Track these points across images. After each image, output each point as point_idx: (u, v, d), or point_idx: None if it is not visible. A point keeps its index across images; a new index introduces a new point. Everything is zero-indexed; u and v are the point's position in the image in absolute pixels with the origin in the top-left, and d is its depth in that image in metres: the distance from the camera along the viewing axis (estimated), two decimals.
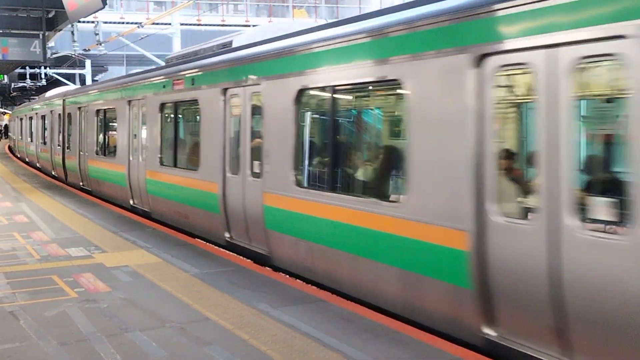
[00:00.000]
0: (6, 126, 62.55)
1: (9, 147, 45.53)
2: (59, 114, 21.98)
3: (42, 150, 26.26)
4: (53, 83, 42.27)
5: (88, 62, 39.00)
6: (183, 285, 7.54)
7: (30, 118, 30.48)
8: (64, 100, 21.47)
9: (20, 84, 44.59)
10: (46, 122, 25.33)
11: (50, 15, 20.86)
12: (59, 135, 22.22)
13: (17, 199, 16.15)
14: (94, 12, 19.19)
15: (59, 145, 22.04)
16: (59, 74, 42.14)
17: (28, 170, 26.90)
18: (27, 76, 42.96)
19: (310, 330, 5.88)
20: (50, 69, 41.74)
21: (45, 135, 25.46)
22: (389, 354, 5.31)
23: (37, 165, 27.65)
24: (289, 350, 5.40)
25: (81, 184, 18.96)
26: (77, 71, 41.21)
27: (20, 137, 36.40)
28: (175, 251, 9.50)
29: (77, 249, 9.72)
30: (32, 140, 29.79)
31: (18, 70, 38.41)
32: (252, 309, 6.55)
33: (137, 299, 6.96)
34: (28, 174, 24.78)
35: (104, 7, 16.65)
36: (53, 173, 23.32)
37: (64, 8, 17.81)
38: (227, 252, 9.50)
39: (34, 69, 41.82)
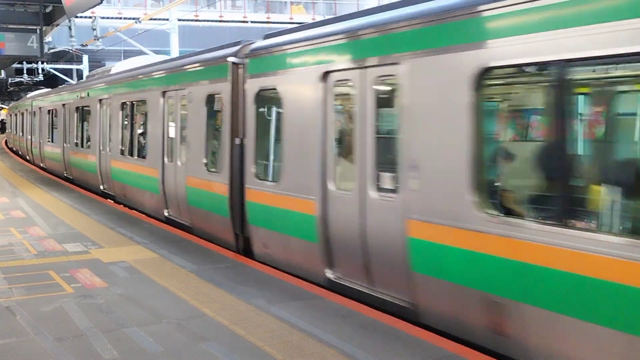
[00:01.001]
0: (2, 121, 62.42)
1: (6, 142, 45.41)
2: (211, 97, 10.08)
3: (123, 166, 14.40)
4: (50, 78, 42.19)
5: (85, 58, 38.92)
6: (180, 281, 7.54)
7: (79, 109, 18.76)
8: (238, 65, 9.37)
9: (18, 79, 44.47)
10: (150, 115, 12.71)
11: (47, 10, 20.77)
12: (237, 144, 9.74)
13: (14, 194, 16.14)
14: (92, 7, 19.14)
15: (247, 173, 9.31)
16: (56, 69, 42.04)
17: (25, 166, 26.85)
18: (25, 71, 42.85)
19: (306, 326, 5.89)
20: (47, 64, 41.65)
21: (144, 140, 13.44)
22: (385, 349, 5.32)
23: (107, 191, 15.96)
24: (286, 346, 5.41)
25: (327, 274, 7.55)
26: (74, 66, 41.13)
27: (48, 140, 23.51)
28: (172, 247, 9.50)
29: (74, 245, 9.71)
30: (82, 146, 18.38)
31: (15, 65, 38.28)
32: (249, 305, 6.56)
33: (133, 295, 6.97)
34: (25, 170, 24.74)
35: (101, 2, 16.62)
36: (181, 220, 11.33)
37: (61, 3, 17.75)
38: (225, 249, 9.51)
39: (31, 64, 41.72)
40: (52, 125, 23.04)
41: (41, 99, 26.18)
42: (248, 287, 7.23)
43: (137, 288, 7.26)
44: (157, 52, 29.36)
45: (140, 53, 30.30)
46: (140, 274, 7.90)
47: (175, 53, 28.25)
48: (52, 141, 22.70)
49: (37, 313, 6.33)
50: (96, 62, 40.18)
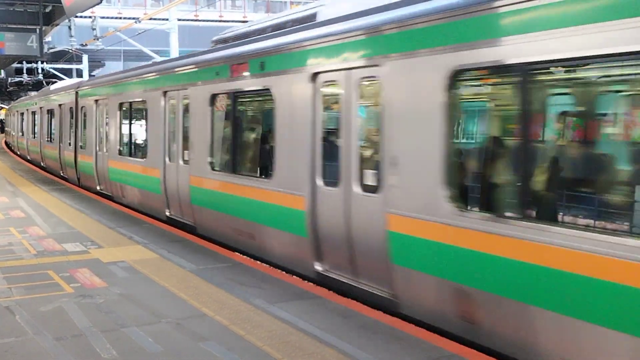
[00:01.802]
0: (1, 121, 62.44)
1: (6, 143, 45.38)
2: None
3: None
4: (50, 78, 42.16)
5: (85, 57, 38.91)
6: (179, 280, 7.54)
7: (209, 101, 10.40)
8: None
9: (17, 79, 44.47)
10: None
11: (47, 10, 20.78)
12: None
13: (13, 194, 16.13)
14: (91, 7, 19.13)
15: None
16: (56, 69, 42.04)
17: (25, 166, 26.84)
18: (24, 71, 42.83)
19: (306, 326, 5.89)
20: (47, 63, 41.64)
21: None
22: (384, 349, 5.32)
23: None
24: (285, 346, 5.40)
25: None
26: (74, 66, 41.12)
27: (120, 152, 14.87)
28: (172, 247, 9.50)
29: (74, 244, 9.71)
30: (232, 170, 9.77)
31: (15, 65, 38.27)
32: (249, 304, 6.56)
33: (133, 295, 6.96)
34: (25, 169, 24.73)
35: (101, 2, 16.61)
36: None
37: (61, 3, 17.75)
38: (224, 249, 9.51)
39: (31, 63, 41.70)
40: (120, 129, 14.83)
41: (98, 88, 16.75)
42: (247, 287, 7.22)
43: (136, 288, 7.26)
44: (156, 52, 29.36)
45: (140, 53, 30.32)
46: (140, 274, 7.90)
47: (175, 53, 28.23)
48: (127, 155, 14.39)
49: (37, 313, 6.33)
50: (96, 62, 40.25)
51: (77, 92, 19.03)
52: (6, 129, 48.20)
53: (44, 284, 7.41)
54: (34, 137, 27.54)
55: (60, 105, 21.37)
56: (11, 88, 49.25)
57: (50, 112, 23.41)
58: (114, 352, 5.30)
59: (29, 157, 29.11)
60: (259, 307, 6.48)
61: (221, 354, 5.24)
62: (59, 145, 21.28)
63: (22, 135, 32.03)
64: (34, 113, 27.59)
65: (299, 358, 5.14)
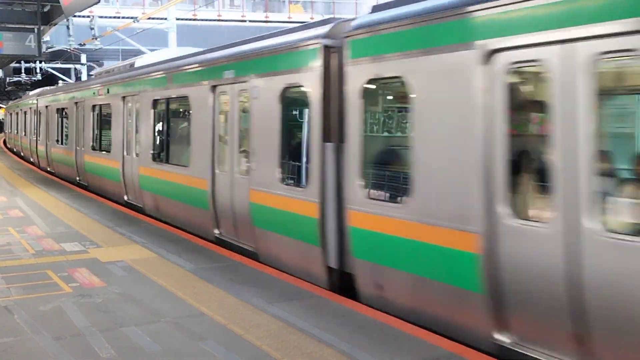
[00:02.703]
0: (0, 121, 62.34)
1: (4, 142, 45.29)
2: None
3: None
4: (49, 77, 42.12)
5: (84, 57, 38.85)
6: (178, 280, 7.54)
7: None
8: None
9: (16, 79, 44.39)
10: None
11: (45, 10, 20.76)
12: None
13: (12, 194, 16.12)
14: (90, 7, 19.12)
15: None
16: (54, 69, 41.97)
17: (23, 165, 26.82)
18: (22, 70, 42.74)
19: (305, 325, 5.89)
20: (45, 63, 41.56)
21: None
22: (383, 348, 5.32)
23: None
24: (284, 345, 5.41)
25: None
26: (72, 65, 41.05)
27: None
28: (171, 246, 9.50)
29: (72, 244, 9.71)
30: None
31: (13, 64, 38.20)
32: (247, 304, 6.56)
33: (132, 294, 6.96)
34: (24, 169, 24.71)
35: (99, 2, 16.59)
36: None
37: (59, 2, 17.73)
38: (223, 248, 9.51)
39: (29, 63, 41.60)
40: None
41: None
42: (246, 287, 7.23)
43: (135, 287, 7.26)
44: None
45: (139, 52, 30.28)
46: (139, 273, 7.90)
47: None
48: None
49: (35, 312, 6.33)
50: (94, 62, 40.17)
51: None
52: (5, 130, 47.31)
53: (42, 284, 7.41)
54: (94, 149, 17.29)
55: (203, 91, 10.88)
56: (9, 88, 49.16)
57: (169, 107, 12.79)
58: (113, 351, 5.30)
59: (79, 179, 18.71)
60: (258, 306, 6.48)
61: (220, 353, 5.25)
62: (216, 170, 10.06)
63: (59, 143, 21.82)
64: (93, 108, 17.51)
65: (297, 357, 5.15)
